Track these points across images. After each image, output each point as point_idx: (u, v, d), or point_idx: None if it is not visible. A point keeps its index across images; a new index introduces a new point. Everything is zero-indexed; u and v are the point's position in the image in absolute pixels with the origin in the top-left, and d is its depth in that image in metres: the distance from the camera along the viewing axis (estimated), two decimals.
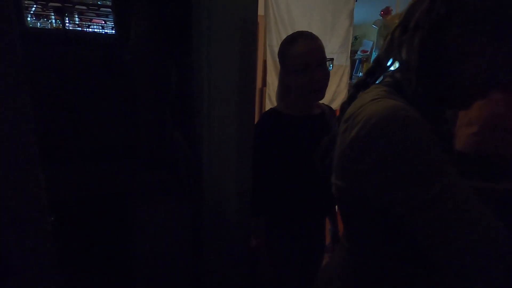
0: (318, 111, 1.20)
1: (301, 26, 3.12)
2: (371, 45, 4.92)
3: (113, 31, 2.20)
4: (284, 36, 3.60)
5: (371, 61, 0.65)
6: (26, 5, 2.01)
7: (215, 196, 1.21)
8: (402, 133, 0.45)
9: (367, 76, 0.63)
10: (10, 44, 0.66)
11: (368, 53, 5.00)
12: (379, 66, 0.62)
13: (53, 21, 2.07)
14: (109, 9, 2.17)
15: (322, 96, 1.10)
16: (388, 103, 0.49)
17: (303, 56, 1.02)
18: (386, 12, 3.05)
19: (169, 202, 1.30)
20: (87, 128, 1.80)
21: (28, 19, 2.02)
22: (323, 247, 1.31)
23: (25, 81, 0.68)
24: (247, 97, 1.11)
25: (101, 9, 2.16)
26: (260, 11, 2.92)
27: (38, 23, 2.06)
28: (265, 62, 3.13)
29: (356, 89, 0.63)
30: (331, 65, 1.10)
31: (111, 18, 2.19)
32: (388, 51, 0.58)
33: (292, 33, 1.12)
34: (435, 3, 0.48)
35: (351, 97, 0.62)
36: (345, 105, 0.63)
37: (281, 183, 1.14)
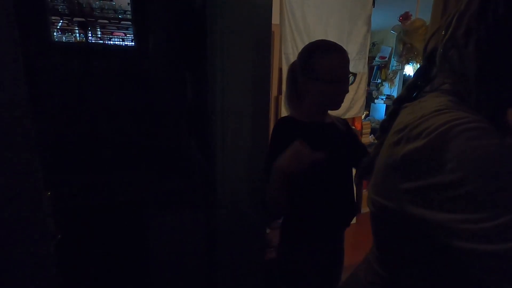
0: (330, 120, 1.18)
1: (317, 33, 3.10)
2: (389, 51, 4.81)
3: (133, 43, 2.28)
4: (300, 44, 3.60)
5: (412, 75, 0.60)
6: (53, 20, 2.12)
7: (229, 205, 1.20)
8: (479, 148, 0.39)
9: (409, 90, 0.57)
10: (9, 51, 0.65)
11: (386, 59, 4.89)
12: (422, 78, 0.57)
13: (77, 35, 2.17)
14: (129, 22, 2.25)
15: (338, 108, 1.09)
16: (459, 115, 0.42)
17: (338, 70, 1.03)
18: (405, 17, 2.97)
19: (183, 211, 1.29)
20: (105, 137, 1.85)
21: (54, 34, 2.13)
22: (342, 261, 1.26)
23: (25, 90, 0.66)
24: (261, 106, 1.10)
25: (122, 22, 2.24)
26: (276, 19, 2.93)
27: (64, 37, 2.17)
28: (280, 70, 3.12)
29: (398, 104, 0.57)
30: (353, 79, 1.10)
31: (131, 30, 2.27)
32: (431, 62, 0.53)
33: (320, 42, 1.09)
34: (488, 2, 0.42)
35: (392, 113, 0.57)
36: (385, 123, 0.57)
37: (300, 192, 1.11)
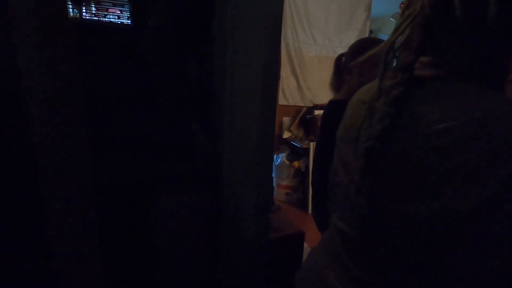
0: None
1: (318, 18, 3.07)
2: (386, 39, 4.80)
3: (129, 21, 2.19)
4: (299, 30, 3.54)
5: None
6: None
7: (234, 189, 1.20)
8: None
9: (410, 71, 0.49)
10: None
11: None
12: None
13: (71, 10, 2.07)
14: None
15: None
16: None
17: None
18: None
19: (188, 194, 1.29)
20: (104, 118, 1.80)
21: None
22: None
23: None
24: (270, 88, 1.09)
25: None
26: None
27: None
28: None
29: (405, 87, 0.49)
30: None
31: (127, 8, 2.18)
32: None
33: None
34: None
35: (401, 99, 0.49)
36: (393, 110, 0.49)
37: None
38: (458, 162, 0.42)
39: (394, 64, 0.52)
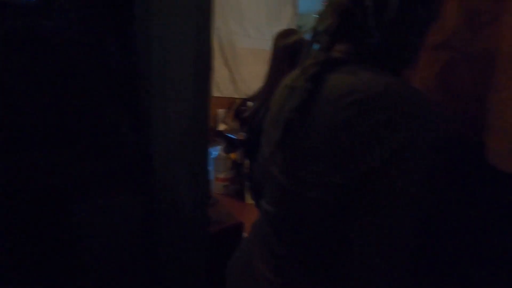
0: None
1: (248, 10, 3.09)
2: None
3: None
4: (230, 21, 3.53)
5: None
6: None
7: (168, 186, 1.13)
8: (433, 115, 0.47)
9: (327, 52, 0.56)
10: None
11: None
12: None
13: None
14: None
15: None
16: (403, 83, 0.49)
17: None
18: None
19: (115, 196, 1.17)
20: (12, 112, 1.49)
21: None
22: None
23: None
24: (203, 79, 1.05)
25: None
26: None
27: None
28: None
29: (324, 67, 0.54)
30: None
31: None
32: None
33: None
34: None
35: (318, 78, 0.54)
36: (310, 87, 0.54)
37: None
38: (361, 131, 0.46)
39: (315, 48, 0.58)
